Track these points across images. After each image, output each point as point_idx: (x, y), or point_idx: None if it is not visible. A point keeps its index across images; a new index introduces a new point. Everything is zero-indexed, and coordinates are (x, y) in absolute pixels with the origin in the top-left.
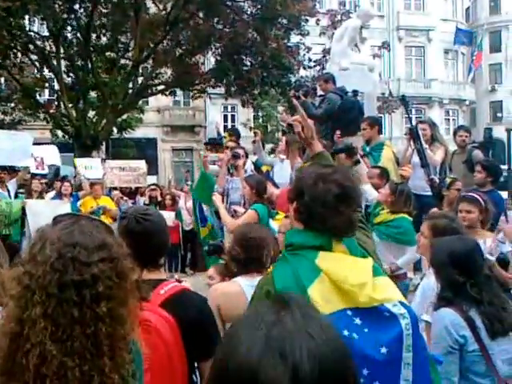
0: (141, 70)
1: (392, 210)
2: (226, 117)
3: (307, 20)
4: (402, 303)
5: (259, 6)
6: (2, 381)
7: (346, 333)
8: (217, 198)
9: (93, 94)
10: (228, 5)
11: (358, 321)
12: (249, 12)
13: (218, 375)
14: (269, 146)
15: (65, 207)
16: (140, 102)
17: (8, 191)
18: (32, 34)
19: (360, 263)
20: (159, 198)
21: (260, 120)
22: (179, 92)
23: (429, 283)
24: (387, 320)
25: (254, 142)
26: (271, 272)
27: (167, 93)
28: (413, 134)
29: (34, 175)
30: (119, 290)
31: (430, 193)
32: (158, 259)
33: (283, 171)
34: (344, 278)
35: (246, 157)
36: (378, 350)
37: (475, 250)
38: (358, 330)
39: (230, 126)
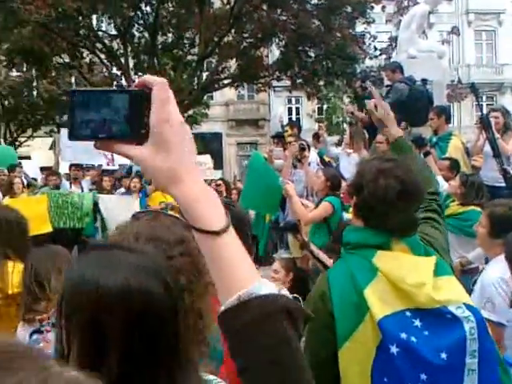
0: (206, 65)
1: (462, 203)
2: (290, 109)
3: (372, 7)
4: (467, 305)
5: None
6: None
7: (403, 335)
8: (289, 188)
9: None
10: None
11: (417, 322)
12: (312, 2)
13: None
14: (334, 138)
15: (135, 203)
16: (205, 97)
17: (82, 189)
18: (100, 33)
19: (421, 262)
20: (224, 194)
21: (324, 112)
22: (244, 86)
23: (488, 278)
24: (449, 323)
25: (315, 134)
26: (327, 272)
27: (233, 86)
28: (484, 123)
29: (104, 172)
30: (198, 284)
31: (503, 184)
32: None
33: (350, 166)
34: (402, 277)
35: (308, 150)
36: (437, 354)
37: None
38: (417, 333)
39: (294, 119)
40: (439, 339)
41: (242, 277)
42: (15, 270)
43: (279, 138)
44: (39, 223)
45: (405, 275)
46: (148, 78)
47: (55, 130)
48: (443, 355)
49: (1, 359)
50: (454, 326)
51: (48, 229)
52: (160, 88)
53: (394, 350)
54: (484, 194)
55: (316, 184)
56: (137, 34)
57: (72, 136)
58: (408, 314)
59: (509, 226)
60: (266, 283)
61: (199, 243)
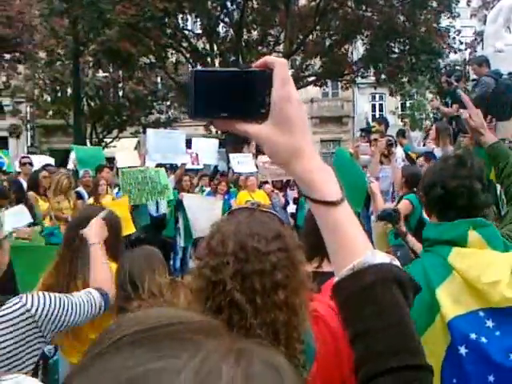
0: (290, 63)
1: None
2: (374, 106)
3: (458, 1)
4: None
5: None
6: None
7: (473, 336)
8: (374, 186)
9: None
10: None
11: (489, 323)
12: None
13: None
14: (418, 134)
15: (219, 204)
16: None
17: None
18: (186, 32)
19: (498, 258)
20: None
21: (408, 108)
22: (327, 83)
23: None
24: None
25: (400, 130)
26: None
27: (318, 84)
28: None
29: (187, 171)
30: (293, 279)
31: None
32: None
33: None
34: (477, 276)
35: (395, 146)
36: (506, 355)
37: None
38: (487, 333)
39: (378, 116)
40: (510, 339)
41: (357, 247)
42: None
43: (366, 132)
44: (124, 226)
45: (480, 274)
46: (269, 58)
47: (141, 130)
48: None
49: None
50: None
51: (131, 230)
52: (281, 68)
53: (462, 350)
54: None
55: (397, 182)
56: (222, 32)
57: (194, 114)
58: (481, 314)
59: None
60: (378, 253)
61: (315, 214)
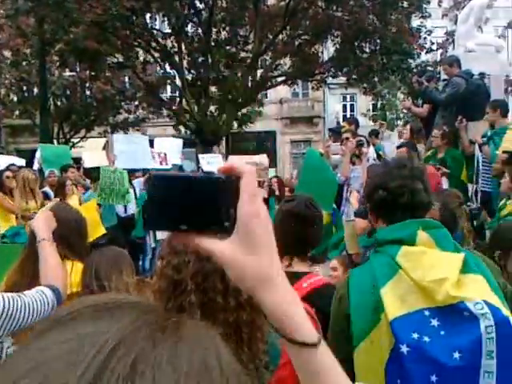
0: (260, 63)
1: None
2: (345, 106)
3: (429, 2)
4: (487, 303)
5: None
6: None
7: (415, 335)
8: (353, 196)
9: (213, 89)
10: None
11: (434, 322)
12: None
13: None
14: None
15: None
16: (259, 95)
17: (134, 189)
18: (154, 31)
19: (446, 258)
20: (277, 192)
21: (379, 109)
22: (298, 83)
23: None
24: (466, 321)
25: (373, 130)
26: (350, 272)
27: (288, 84)
28: None
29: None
30: None
31: None
32: (308, 250)
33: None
34: (423, 274)
35: (368, 146)
36: (450, 354)
37: None
38: (431, 333)
39: (349, 116)
40: (453, 338)
41: None
42: (74, 270)
43: (336, 133)
44: (93, 229)
45: (426, 272)
46: (237, 164)
47: (109, 130)
48: (456, 355)
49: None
50: (470, 324)
51: (102, 231)
52: (250, 179)
53: (404, 349)
54: None
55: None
56: (191, 31)
57: (149, 226)
58: (427, 313)
59: None
60: None
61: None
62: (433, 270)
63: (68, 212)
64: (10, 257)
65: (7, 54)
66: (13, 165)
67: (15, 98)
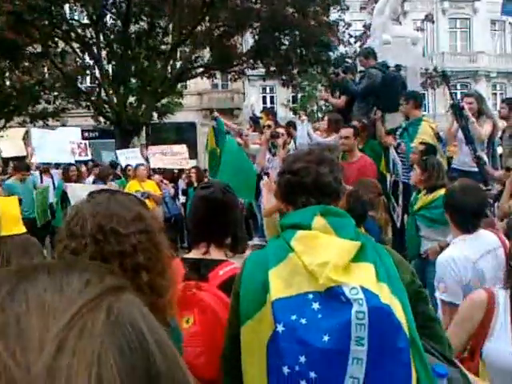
0: (179, 54)
1: (426, 187)
2: (264, 98)
3: None
4: (364, 289)
5: None
6: None
7: (293, 317)
8: (265, 183)
9: (133, 80)
10: None
11: (316, 305)
12: None
13: None
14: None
15: None
16: (179, 87)
17: (52, 179)
18: (73, 22)
19: (338, 244)
20: (195, 182)
21: (299, 101)
22: (218, 75)
23: (440, 258)
24: (341, 305)
25: (289, 122)
26: (249, 255)
27: (207, 75)
28: (455, 110)
29: (77, 162)
30: (157, 261)
31: (475, 169)
32: (224, 238)
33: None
34: (312, 258)
35: (289, 136)
36: (320, 337)
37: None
38: (310, 316)
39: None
40: (325, 321)
41: None
42: None
43: (255, 122)
44: (12, 224)
45: (316, 256)
46: None
47: (28, 120)
48: (325, 338)
49: None
50: (343, 309)
51: (21, 230)
52: None
53: (280, 329)
54: (444, 174)
55: None
56: (109, 22)
57: None
58: (310, 296)
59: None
60: None
61: None
62: (322, 254)
63: None
64: None
65: None
66: None
67: None
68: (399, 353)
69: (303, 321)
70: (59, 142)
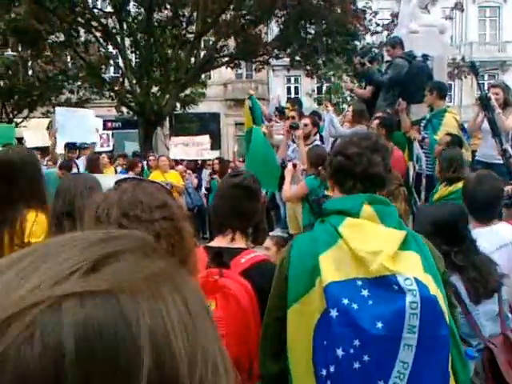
0: (203, 44)
1: (443, 180)
2: (289, 89)
3: None
4: (417, 280)
5: None
6: None
7: (345, 301)
8: (288, 171)
9: (156, 69)
10: None
11: (365, 292)
12: None
13: None
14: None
15: None
16: (203, 77)
17: (78, 168)
18: (95, 10)
19: (386, 233)
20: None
21: (324, 91)
22: (242, 65)
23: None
24: (394, 294)
25: (313, 112)
26: (295, 237)
27: (231, 65)
28: (483, 102)
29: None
30: (180, 248)
31: (500, 161)
32: (248, 227)
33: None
34: (361, 245)
35: (315, 126)
36: (373, 323)
37: (459, 217)
38: (360, 301)
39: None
40: (379, 308)
41: None
42: (37, 220)
43: (281, 112)
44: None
45: (365, 244)
46: None
47: (52, 110)
48: (379, 324)
49: None
50: (396, 297)
51: None
52: None
53: (333, 313)
54: (460, 167)
55: (303, 162)
56: (133, 11)
57: None
58: (359, 283)
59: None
60: None
61: None
62: (371, 242)
63: (21, 155)
64: None
65: None
66: None
67: None
68: (442, 339)
69: (355, 306)
70: (84, 122)
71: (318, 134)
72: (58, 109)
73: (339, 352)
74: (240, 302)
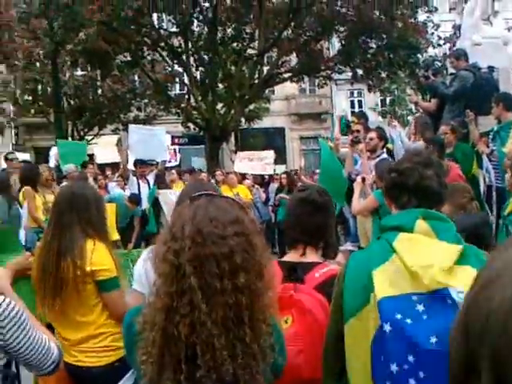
0: (266, 60)
1: None
2: (352, 102)
3: None
4: None
5: None
6: (158, 354)
7: (398, 316)
8: (357, 184)
9: (221, 86)
10: None
11: (420, 307)
12: None
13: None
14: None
15: None
16: (266, 92)
17: (148, 183)
18: (161, 31)
19: (442, 247)
20: (287, 187)
21: (388, 104)
22: (305, 79)
23: None
24: (448, 308)
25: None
26: (352, 254)
27: (295, 79)
28: None
29: (166, 168)
30: (255, 263)
31: None
32: (319, 241)
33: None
34: (415, 259)
35: (381, 140)
36: (428, 338)
37: (484, 225)
38: (414, 316)
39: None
40: (433, 323)
41: None
42: (96, 248)
43: (347, 127)
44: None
45: (419, 259)
46: None
47: (120, 127)
48: (433, 339)
49: None
50: (450, 311)
51: (115, 236)
52: None
53: (386, 328)
54: None
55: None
56: (196, 30)
57: None
58: (414, 298)
59: None
60: None
61: None
62: (425, 256)
63: (86, 189)
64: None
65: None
66: (26, 161)
67: (30, 98)
68: None
69: (409, 320)
70: (156, 140)
71: (384, 148)
72: (131, 126)
73: (393, 367)
74: (316, 317)
